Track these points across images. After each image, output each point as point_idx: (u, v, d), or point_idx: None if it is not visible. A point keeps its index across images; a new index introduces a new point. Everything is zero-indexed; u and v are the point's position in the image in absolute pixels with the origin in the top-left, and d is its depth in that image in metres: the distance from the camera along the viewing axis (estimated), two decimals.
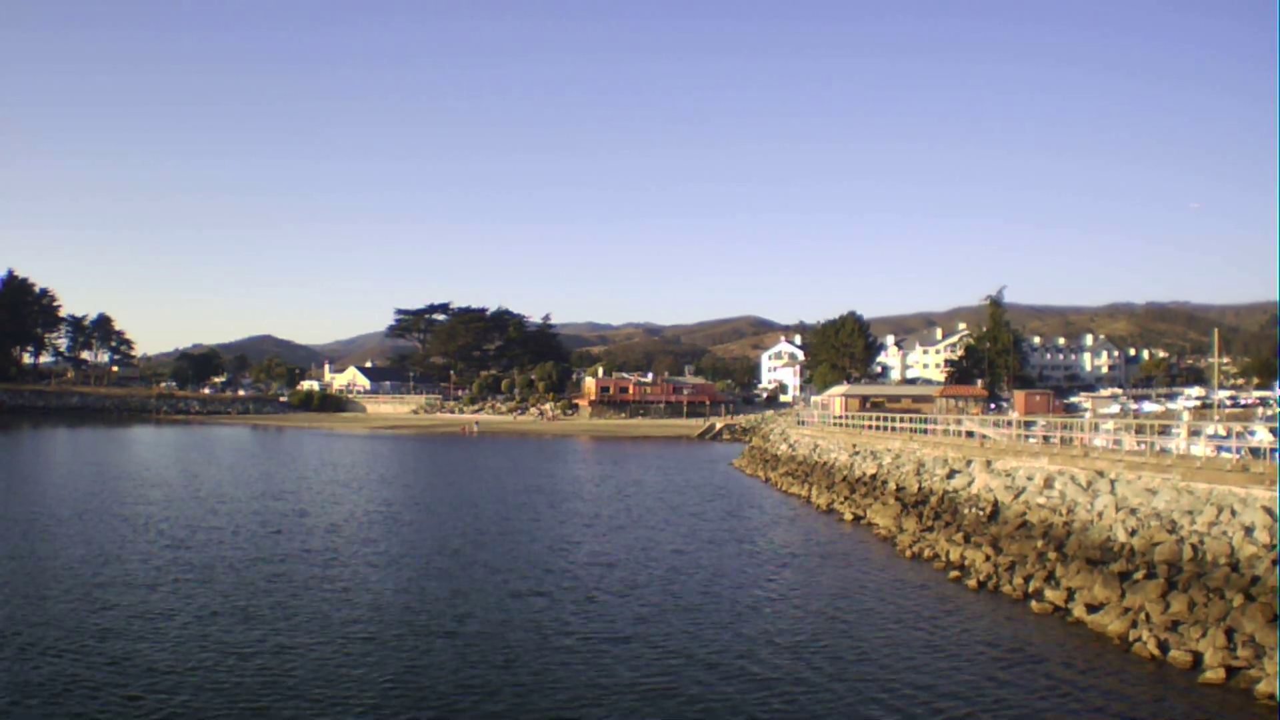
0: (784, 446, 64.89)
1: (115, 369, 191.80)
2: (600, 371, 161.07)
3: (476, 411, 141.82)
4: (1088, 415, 61.18)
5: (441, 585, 22.06)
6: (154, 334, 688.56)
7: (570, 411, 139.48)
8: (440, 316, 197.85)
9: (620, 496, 42.03)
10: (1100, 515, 23.86)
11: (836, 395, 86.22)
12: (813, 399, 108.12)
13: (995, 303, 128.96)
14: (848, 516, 35.37)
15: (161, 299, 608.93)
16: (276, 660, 15.85)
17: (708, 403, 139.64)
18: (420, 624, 18.38)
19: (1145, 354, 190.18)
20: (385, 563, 24.75)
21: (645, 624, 18.65)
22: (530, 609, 19.79)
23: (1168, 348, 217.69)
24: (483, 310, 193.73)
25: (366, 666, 15.61)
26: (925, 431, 44.99)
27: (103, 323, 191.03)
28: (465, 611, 19.50)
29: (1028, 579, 21.72)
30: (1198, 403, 78.99)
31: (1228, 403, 70.70)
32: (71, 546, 26.39)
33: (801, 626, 18.77)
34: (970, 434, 41.22)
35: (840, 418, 66.99)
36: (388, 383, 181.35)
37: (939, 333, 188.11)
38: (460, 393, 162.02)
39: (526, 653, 16.59)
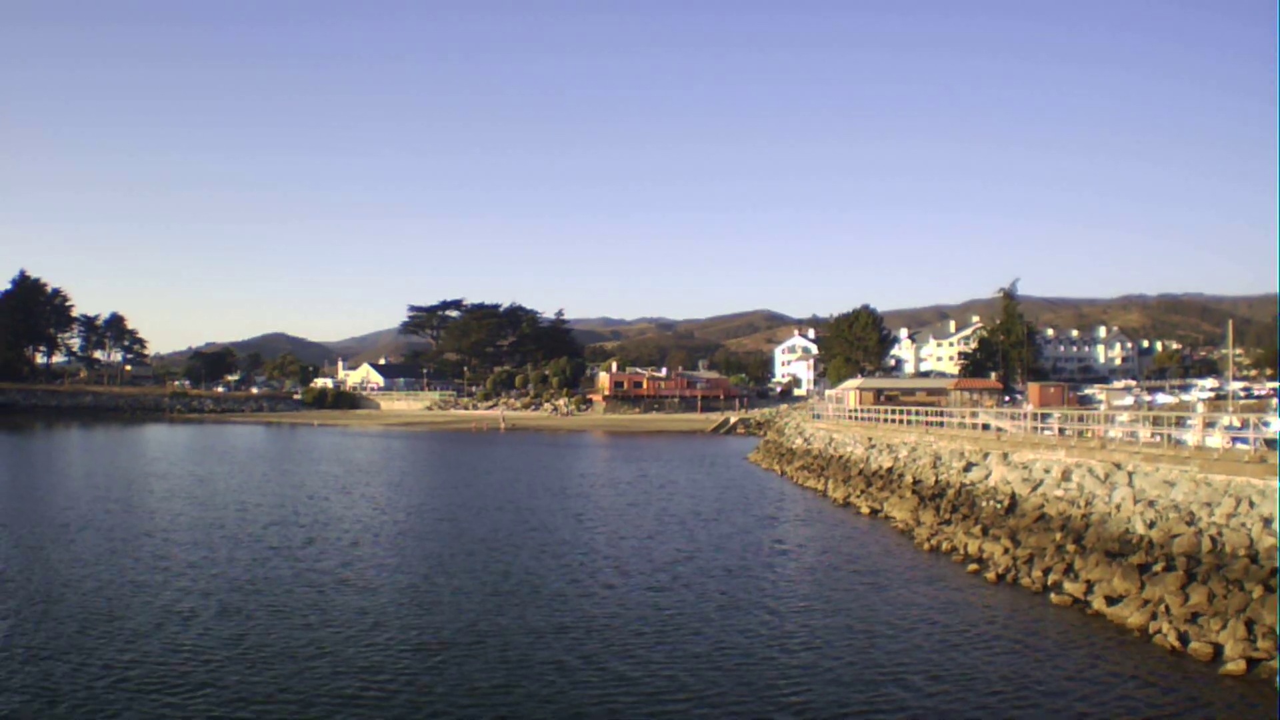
0: (799, 440, 65.06)
1: (128, 368, 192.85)
2: (614, 367, 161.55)
3: (491, 408, 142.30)
4: (1102, 407, 61.07)
5: (471, 617, 19.24)
6: (167, 333, 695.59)
7: (584, 407, 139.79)
8: (454, 313, 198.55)
9: (649, 500, 40.03)
10: (1118, 507, 23.99)
11: (850, 389, 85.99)
12: (827, 393, 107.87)
13: (1009, 295, 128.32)
14: (865, 510, 35.54)
15: (174, 297, 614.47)
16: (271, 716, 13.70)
17: (722, 397, 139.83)
18: (447, 676, 15.51)
19: (1159, 346, 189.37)
20: (411, 593, 21.53)
21: (698, 661, 16.45)
22: (574, 650, 17.04)
23: (1181, 339, 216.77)
24: (496, 306, 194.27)
25: None
26: (941, 424, 45.07)
27: (115, 322, 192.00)
28: (496, 653, 16.81)
29: (1046, 571, 21.90)
30: (1211, 394, 78.62)
31: (1241, 394, 70.29)
32: (65, 568, 23.99)
33: (843, 650, 17.03)
34: (986, 426, 41.27)
35: (855, 411, 67.04)
36: (401, 379, 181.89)
37: (952, 325, 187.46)
38: (474, 389, 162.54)
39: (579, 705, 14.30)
